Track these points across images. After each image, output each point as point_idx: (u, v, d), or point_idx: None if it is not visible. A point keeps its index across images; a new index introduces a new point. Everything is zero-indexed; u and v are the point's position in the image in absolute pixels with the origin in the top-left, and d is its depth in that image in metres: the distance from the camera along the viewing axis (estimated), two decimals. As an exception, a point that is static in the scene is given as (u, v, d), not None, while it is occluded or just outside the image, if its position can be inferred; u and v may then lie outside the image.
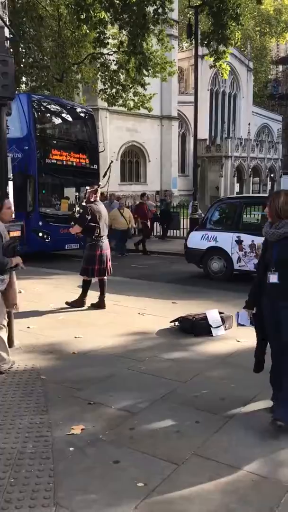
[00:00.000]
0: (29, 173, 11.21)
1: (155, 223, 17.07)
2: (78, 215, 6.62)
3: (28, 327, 5.63)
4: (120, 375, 4.26)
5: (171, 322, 5.77)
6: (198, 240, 9.44)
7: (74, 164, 12.19)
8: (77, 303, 6.69)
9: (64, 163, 11.95)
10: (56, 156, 11.79)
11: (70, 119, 13.17)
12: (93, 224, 6.59)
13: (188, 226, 14.58)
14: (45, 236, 11.49)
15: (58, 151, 11.89)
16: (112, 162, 7.72)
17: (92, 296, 6.86)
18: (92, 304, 6.69)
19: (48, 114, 12.65)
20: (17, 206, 11.71)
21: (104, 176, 6.76)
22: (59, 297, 7.17)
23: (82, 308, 6.62)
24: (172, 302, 7.10)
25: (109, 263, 6.77)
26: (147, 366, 4.47)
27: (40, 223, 11.44)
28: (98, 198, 6.75)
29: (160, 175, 35.81)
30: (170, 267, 11.37)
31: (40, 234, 11.48)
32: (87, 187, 6.86)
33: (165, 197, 18.60)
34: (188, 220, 14.84)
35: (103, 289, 6.77)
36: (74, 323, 5.90)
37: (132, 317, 6.27)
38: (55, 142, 12.15)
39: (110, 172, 7.15)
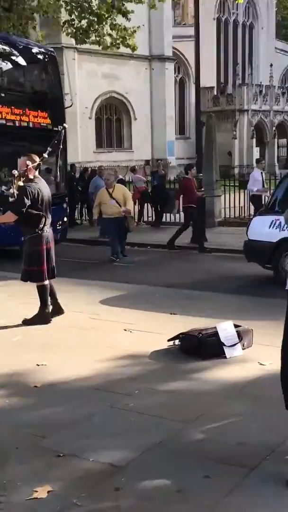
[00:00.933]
0: None
1: (146, 204, 17.15)
2: (13, 198, 6.47)
3: (-28, 353, 5.62)
4: (100, 416, 4.26)
5: (169, 340, 5.81)
6: (264, 229, 8.85)
7: (31, 125, 12.19)
8: (39, 319, 6.69)
9: (17, 124, 11.95)
10: (4, 114, 11.77)
11: (23, 63, 13.15)
12: (35, 211, 6.60)
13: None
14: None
15: (7, 107, 11.86)
16: (63, 129, 7.60)
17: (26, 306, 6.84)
18: (27, 320, 6.65)
19: None
20: None
21: (52, 146, 6.73)
22: (12, 310, 7.15)
23: (43, 326, 6.63)
24: (171, 313, 7.14)
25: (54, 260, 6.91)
26: (137, 402, 4.47)
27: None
28: (37, 174, 6.71)
29: (151, 139, 35.84)
30: (168, 264, 11.40)
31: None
32: (23, 157, 6.77)
33: (158, 168, 18.69)
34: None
35: (53, 291, 6.89)
36: (34, 346, 5.90)
37: (115, 335, 6.28)
38: (2, 95, 12.12)
39: (60, 144, 7.08)
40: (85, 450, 3.76)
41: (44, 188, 6.77)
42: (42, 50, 13.51)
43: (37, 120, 12.28)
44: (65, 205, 13.33)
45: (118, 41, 18.65)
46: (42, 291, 6.78)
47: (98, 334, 6.31)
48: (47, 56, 13.34)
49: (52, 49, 13.95)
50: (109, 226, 11.72)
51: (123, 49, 20.02)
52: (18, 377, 5.04)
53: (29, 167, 6.56)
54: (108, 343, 5.95)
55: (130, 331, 6.41)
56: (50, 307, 6.87)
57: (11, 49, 12.82)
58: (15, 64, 12.91)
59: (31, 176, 6.60)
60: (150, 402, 4.50)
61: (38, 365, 5.30)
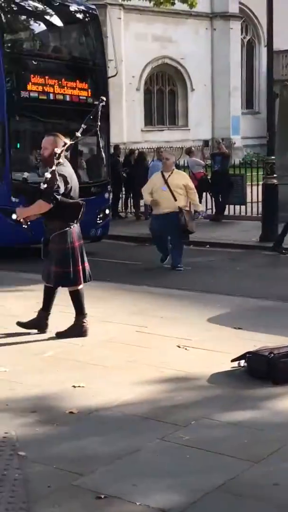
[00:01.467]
0: None
1: (204, 193, 17.10)
2: (45, 185, 6.53)
3: (-4, 371, 5.72)
4: (148, 450, 4.26)
5: (233, 360, 5.79)
6: None
7: (68, 98, 12.33)
8: (75, 331, 6.76)
9: (52, 97, 12.06)
10: (38, 86, 11.87)
11: (59, 23, 13.26)
12: (70, 200, 6.72)
13: (260, 198, 14.51)
14: (21, 220, 11.78)
15: (41, 77, 11.96)
16: (102, 102, 7.57)
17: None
18: (61, 333, 6.76)
19: (23, 16, 12.90)
20: None
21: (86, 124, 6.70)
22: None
23: (80, 339, 6.70)
24: (235, 328, 7.11)
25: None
26: (193, 435, 4.45)
27: (13, 199, 11.46)
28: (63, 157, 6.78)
29: (212, 114, 35.73)
30: (231, 267, 11.35)
31: (14, 217, 11.55)
32: (49, 136, 6.90)
33: (219, 150, 18.61)
34: (260, 188, 14.76)
35: (82, 304, 6.89)
36: (70, 364, 5.95)
37: (167, 352, 6.28)
38: (35, 62, 12.29)
39: (99, 115, 7.04)
40: (131, 491, 3.75)
41: (73, 175, 6.89)
42: (82, 8, 13.63)
43: (75, 92, 12.42)
44: (107, 195, 13.44)
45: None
46: (77, 297, 6.85)
47: (145, 351, 6.31)
48: (87, 15, 13.45)
49: (93, 7, 14.06)
50: (154, 225, 11.15)
51: (178, 6, 20.02)
52: (50, 400, 5.08)
53: (56, 148, 6.63)
54: (158, 362, 5.94)
55: (185, 348, 6.39)
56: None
57: (45, 7, 12.98)
58: (49, 25, 13.07)
59: (60, 160, 6.66)
60: (209, 436, 4.47)
61: (74, 386, 5.33)
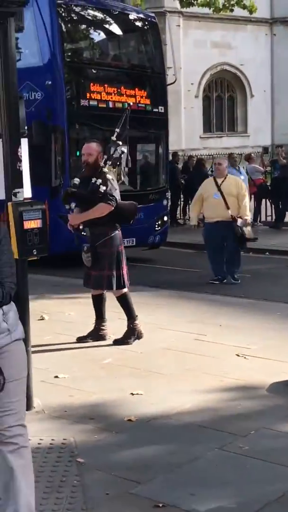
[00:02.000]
0: (55, 124, 11.41)
1: (264, 200, 16.97)
2: (105, 187, 6.64)
3: (56, 377, 5.77)
4: (207, 459, 4.24)
5: (293, 370, 5.70)
6: None
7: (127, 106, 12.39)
8: (130, 335, 6.82)
9: (111, 105, 12.05)
10: (97, 94, 11.89)
11: (118, 31, 13.28)
12: (127, 202, 6.94)
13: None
14: (81, 227, 11.76)
15: (100, 85, 11.96)
16: (128, 107, 7.75)
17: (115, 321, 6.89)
18: (118, 340, 6.81)
19: (84, 26, 12.84)
20: (35, 177, 11.71)
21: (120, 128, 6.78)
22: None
23: (138, 346, 6.71)
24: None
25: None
26: (252, 445, 4.42)
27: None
28: None
29: (272, 120, 35.39)
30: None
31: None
32: (92, 142, 7.11)
33: (279, 156, 18.39)
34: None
35: (131, 306, 6.92)
36: (128, 371, 5.97)
37: (226, 360, 6.26)
38: (95, 71, 12.32)
39: (127, 125, 7.10)
40: (189, 500, 3.74)
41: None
42: (141, 16, 13.63)
43: (135, 100, 12.38)
44: (165, 202, 13.38)
45: (232, 2, 18.60)
46: (125, 300, 6.88)
47: (204, 359, 6.29)
48: (147, 23, 13.43)
49: (153, 15, 14.10)
50: (207, 234, 10.53)
51: (238, 12, 19.92)
52: (108, 408, 5.11)
53: (100, 154, 6.82)
54: (217, 371, 5.92)
55: (245, 357, 6.35)
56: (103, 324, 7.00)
57: (104, 16, 13.03)
58: (109, 34, 13.16)
59: (102, 164, 6.76)
60: (269, 446, 4.43)
61: (132, 394, 5.35)
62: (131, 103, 8.48)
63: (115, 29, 13.19)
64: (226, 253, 10.27)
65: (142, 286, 9.33)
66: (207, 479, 3.99)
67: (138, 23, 13.48)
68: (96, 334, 6.91)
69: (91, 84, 11.91)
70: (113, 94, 12.11)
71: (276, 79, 34.90)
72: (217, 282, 10.12)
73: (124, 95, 12.22)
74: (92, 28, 12.94)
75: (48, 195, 10.93)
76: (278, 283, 10.55)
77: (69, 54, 12.04)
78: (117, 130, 7.30)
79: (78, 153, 12.10)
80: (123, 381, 5.67)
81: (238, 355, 6.39)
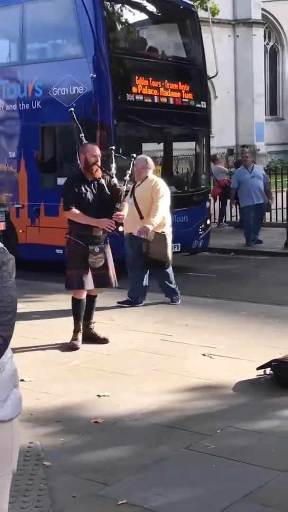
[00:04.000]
0: (100, 120, 10.61)
1: (228, 200, 17.06)
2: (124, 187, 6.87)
3: (22, 380, 5.72)
4: (173, 459, 4.25)
5: (258, 368, 5.75)
6: None
7: (171, 101, 11.60)
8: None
9: (156, 100, 11.34)
10: (142, 88, 11.14)
11: (162, 22, 12.64)
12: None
13: (285, 204, 14.43)
14: (120, 229, 10.86)
15: (145, 79, 11.22)
16: (73, 111, 7.85)
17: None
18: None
19: (127, 15, 11.96)
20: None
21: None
22: (63, 330, 7.29)
23: (101, 347, 6.74)
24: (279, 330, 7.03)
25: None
26: (219, 444, 4.44)
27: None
28: None
29: (235, 121, 35.62)
30: (256, 275, 11.29)
31: (120, 229, 10.05)
32: (92, 144, 7.01)
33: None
34: (285, 194, 14.70)
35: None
36: (95, 373, 5.97)
37: (191, 360, 6.27)
38: (139, 63, 11.53)
39: (78, 126, 7.22)
40: (156, 501, 3.75)
41: None
42: (183, 5, 12.62)
43: (178, 94, 11.67)
44: (208, 204, 12.68)
45: (195, 4, 18.65)
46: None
47: (170, 360, 6.30)
48: (188, 12, 12.56)
49: (192, 3, 13.39)
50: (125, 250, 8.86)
51: (201, 13, 19.97)
52: (75, 410, 5.09)
53: (99, 155, 6.84)
54: (183, 371, 5.93)
55: (210, 356, 6.37)
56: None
57: (147, 5, 12.46)
58: (152, 23, 12.59)
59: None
60: (235, 445, 4.45)
61: (99, 396, 5.34)
62: (73, 109, 8.11)
63: (159, 19, 12.59)
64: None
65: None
66: (174, 479, 4.00)
67: (181, 13, 12.58)
68: (92, 336, 6.90)
69: (136, 77, 11.10)
70: (158, 88, 11.31)
71: (240, 80, 35.15)
72: (126, 305, 8.51)
73: (169, 89, 11.54)
74: (135, 17, 12.17)
75: None
76: (244, 283, 10.62)
77: (114, 44, 11.16)
78: (82, 134, 7.26)
79: (120, 150, 11.62)
80: (89, 383, 5.66)
81: (204, 355, 6.41)
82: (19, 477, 4.00)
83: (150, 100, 11.14)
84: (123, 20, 11.86)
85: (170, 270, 8.69)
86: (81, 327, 6.85)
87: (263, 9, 36.08)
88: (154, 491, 3.85)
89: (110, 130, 10.58)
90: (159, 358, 6.35)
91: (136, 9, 12.21)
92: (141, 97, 11.01)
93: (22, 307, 8.45)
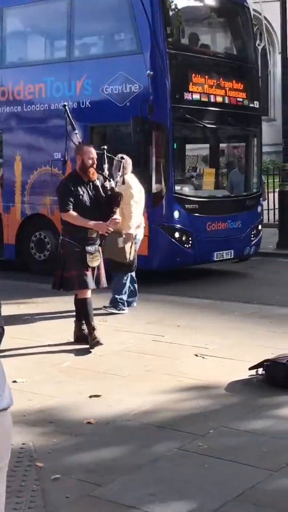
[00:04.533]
0: (157, 120, 10.11)
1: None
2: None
3: (14, 382, 5.73)
4: (166, 460, 4.25)
5: (251, 368, 5.76)
6: None
7: (227, 100, 11.21)
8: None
9: (212, 99, 10.91)
10: (199, 86, 10.71)
11: (219, 18, 12.28)
12: None
13: (277, 205, 14.44)
14: (184, 239, 10.37)
15: (201, 77, 10.78)
16: (65, 106, 7.83)
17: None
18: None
19: (185, 13, 11.39)
20: None
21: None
22: (55, 332, 7.24)
23: (96, 348, 6.69)
24: (271, 330, 7.05)
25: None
26: (211, 444, 4.44)
27: (177, 215, 10.26)
28: None
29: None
30: (250, 275, 11.30)
31: (177, 235, 10.22)
32: (90, 147, 6.93)
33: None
34: (277, 195, 14.72)
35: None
36: (87, 374, 5.96)
37: (184, 361, 6.28)
38: (196, 61, 11.04)
39: (72, 122, 7.21)
40: (149, 501, 3.74)
41: None
42: (238, 1, 12.21)
43: (234, 94, 11.27)
44: (260, 209, 12.20)
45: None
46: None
47: (163, 360, 6.30)
48: (243, 9, 12.19)
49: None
50: None
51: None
52: (67, 411, 5.08)
53: (96, 157, 6.82)
54: (176, 371, 5.93)
55: (203, 357, 6.38)
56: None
57: (206, 3, 12.02)
58: (208, 19, 12.21)
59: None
60: (228, 445, 4.46)
61: (91, 397, 5.33)
62: (66, 103, 8.00)
63: (213, 15, 12.15)
64: None
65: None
66: (167, 479, 3.99)
67: (235, 9, 12.15)
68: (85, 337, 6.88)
69: (193, 75, 10.63)
70: (213, 86, 10.90)
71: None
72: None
73: (224, 88, 11.12)
74: (191, 13, 11.74)
75: (147, 203, 9.50)
76: (236, 283, 10.64)
77: (171, 40, 10.62)
78: (76, 132, 7.22)
79: (179, 153, 10.87)
80: (82, 384, 5.65)
81: (196, 355, 6.42)
82: (11, 478, 3.99)
83: (206, 99, 10.71)
84: (180, 15, 11.07)
85: (125, 277, 8.31)
86: (94, 325, 6.81)
87: (254, 10, 36.05)
88: (148, 492, 3.85)
89: (167, 131, 10.12)
90: (151, 359, 6.35)
91: (193, 4, 11.80)
92: (198, 96, 10.56)
93: (13, 308, 8.49)
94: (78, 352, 6.61)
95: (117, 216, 6.89)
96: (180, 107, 10.28)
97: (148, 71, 9.97)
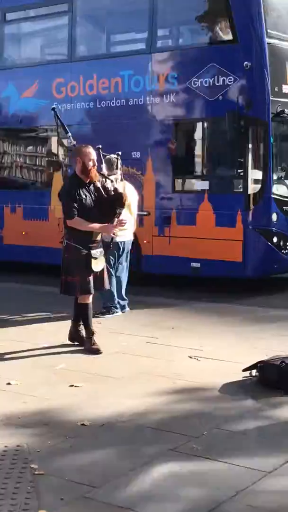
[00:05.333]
0: (255, 115, 9.58)
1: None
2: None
3: (9, 384, 5.74)
4: (159, 461, 4.24)
5: (244, 370, 5.78)
6: None
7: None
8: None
9: None
10: None
11: None
12: None
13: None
14: (281, 244, 9.71)
15: None
16: (55, 108, 7.61)
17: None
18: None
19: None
20: (225, 182, 9.57)
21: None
22: (50, 334, 7.24)
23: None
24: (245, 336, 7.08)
25: None
26: (205, 446, 4.44)
27: (275, 218, 9.63)
28: None
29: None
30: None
31: (275, 240, 9.64)
32: (91, 148, 6.78)
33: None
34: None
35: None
36: (82, 376, 5.97)
37: (178, 363, 6.29)
38: None
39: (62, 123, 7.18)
40: (144, 503, 3.74)
41: None
42: None
43: None
44: None
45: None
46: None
47: (157, 362, 6.32)
48: None
49: None
50: None
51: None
52: (61, 413, 5.08)
53: (96, 159, 6.77)
54: (170, 373, 5.94)
55: (197, 359, 6.39)
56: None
57: None
58: None
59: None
60: (221, 446, 4.46)
61: (85, 398, 5.34)
62: (55, 106, 7.66)
63: None
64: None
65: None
66: (161, 481, 3.99)
67: None
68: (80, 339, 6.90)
69: None
70: None
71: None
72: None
73: None
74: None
75: (242, 205, 9.46)
76: (231, 284, 10.64)
77: (271, 29, 9.77)
78: (69, 134, 7.17)
79: (279, 151, 9.99)
80: (76, 386, 5.65)
81: (190, 357, 6.43)
82: (6, 480, 4.00)
83: None
84: (281, 2, 10.28)
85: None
86: (93, 330, 6.82)
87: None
88: (142, 493, 3.84)
89: (266, 127, 9.45)
90: (145, 361, 6.36)
91: None
92: None
93: (8, 311, 8.50)
94: (73, 354, 6.61)
95: (123, 216, 6.83)
96: (279, 101, 9.60)
97: (246, 62, 9.38)
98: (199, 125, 10.26)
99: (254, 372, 5.71)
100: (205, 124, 10.10)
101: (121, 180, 7.78)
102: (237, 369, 5.85)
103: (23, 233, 11.72)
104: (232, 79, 9.49)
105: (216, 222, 9.70)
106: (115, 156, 7.47)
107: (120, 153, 7.56)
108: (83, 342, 6.82)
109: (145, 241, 10.32)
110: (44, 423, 4.87)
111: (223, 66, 9.56)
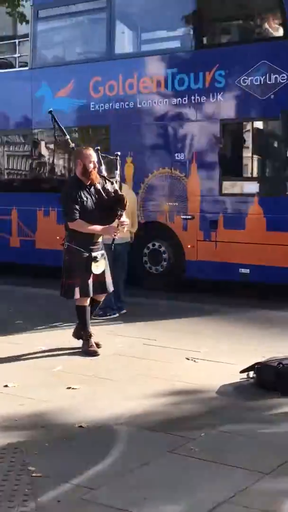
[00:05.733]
0: None
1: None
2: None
3: (6, 386, 5.73)
4: (158, 463, 4.25)
5: (242, 372, 5.79)
6: None
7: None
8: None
9: None
10: None
11: None
12: None
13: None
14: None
15: None
16: (51, 112, 7.44)
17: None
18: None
19: None
20: (275, 184, 9.14)
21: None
22: (48, 336, 7.25)
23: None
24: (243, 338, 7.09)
25: None
26: (202, 447, 4.45)
27: None
28: None
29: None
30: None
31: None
32: (91, 150, 6.80)
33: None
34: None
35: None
36: (79, 378, 5.96)
37: (175, 365, 6.29)
38: None
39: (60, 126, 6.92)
40: (141, 504, 3.73)
41: None
42: None
43: None
44: None
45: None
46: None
47: (154, 364, 6.32)
48: None
49: None
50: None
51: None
52: (59, 415, 5.08)
53: (96, 161, 6.76)
54: (167, 375, 5.95)
55: (194, 360, 6.40)
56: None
57: None
58: None
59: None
60: (219, 448, 4.46)
61: (83, 400, 5.34)
62: (52, 109, 7.47)
63: None
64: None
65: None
66: (159, 482, 3.99)
67: None
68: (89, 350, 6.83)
69: None
70: None
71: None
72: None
73: None
74: None
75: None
76: (228, 286, 10.65)
77: None
78: (68, 137, 7.15)
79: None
80: (74, 388, 5.65)
81: (188, 359, 6.43)
82: (3, 482, 4.00)
83: None
84: None
85: None
86: (91, 332, 6.80)
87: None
88: (139, 495, 3.84)
89: None
90: (143, 363, 6.37)
91: None
92: None
93: (6, 313, 8.50)
94: (70, 357, 6.61)
95: (124, 218, 6.81)
96: None
97: None
98: (248, 125, 9.90)
99: (251, 373, 5.72)
100: (255, 124, 9.83)
101: (119, 181, 7.76)
102: (235, 370, 5.86)
103: (58, 237, 11.47)
104: (285, 77, 9.20)
105: (267, 226, 9.44)
106: (114, 157, 7.49)
107: (119, 153, 7.50)
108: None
109: (189, 246, 10.13)
110: (41, 425, 4.87)
111: (275, 63, 9.26)
